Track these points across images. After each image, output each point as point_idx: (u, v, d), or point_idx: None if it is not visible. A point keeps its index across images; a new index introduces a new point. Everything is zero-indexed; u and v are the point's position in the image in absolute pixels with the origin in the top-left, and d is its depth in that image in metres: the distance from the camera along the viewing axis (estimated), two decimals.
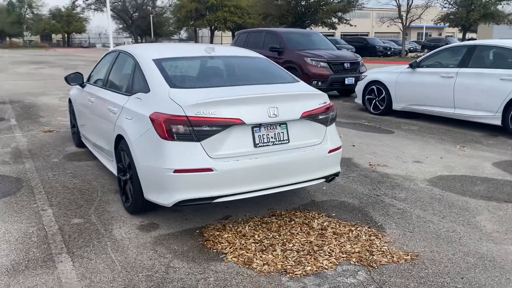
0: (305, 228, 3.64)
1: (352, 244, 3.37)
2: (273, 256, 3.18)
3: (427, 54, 8.51)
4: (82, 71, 5.98)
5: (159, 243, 3.39)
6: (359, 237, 3.48)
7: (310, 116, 3.69)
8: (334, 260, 3.13)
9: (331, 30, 41.82)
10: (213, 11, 46.05)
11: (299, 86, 4.04)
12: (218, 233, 3.54)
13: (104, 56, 5.36)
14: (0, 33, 70.52)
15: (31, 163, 5.48)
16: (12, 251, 3.24)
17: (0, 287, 2.78)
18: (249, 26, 40.79)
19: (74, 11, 66.45)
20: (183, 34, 73.38)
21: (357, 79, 10.32)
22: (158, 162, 3.32)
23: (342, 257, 3.18)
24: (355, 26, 42.29)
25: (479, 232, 3.60)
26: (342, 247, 3.32)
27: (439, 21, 38.12)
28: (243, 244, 3.35)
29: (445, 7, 37.12)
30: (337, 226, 3.69)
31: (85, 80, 5.58)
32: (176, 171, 3.25)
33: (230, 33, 50.29)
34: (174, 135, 3.26)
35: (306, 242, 3.39)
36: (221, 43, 48.79)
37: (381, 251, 3.27)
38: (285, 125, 3.60)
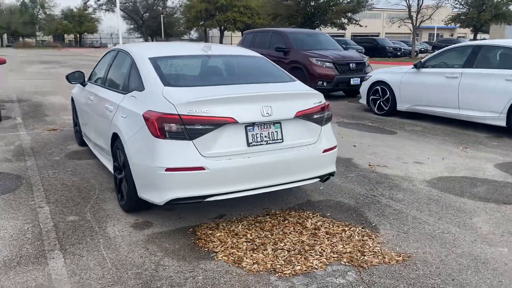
0: (298, 228, 3.63)
1: (344, 244, 3.35)
2: (264, 255, 3.17)
3: (432, 54, 8.43)
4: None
5: (151, 241, 3.40)
6: (351, 237, 3.46)
7: (305, 116, 3.68)
8: (325, 260, 3.11)
9: (341, 31, 41.60)
10: (222, 12, 46.15)
11: (294, 86, 4.03)
12: (210, 231, 3.55)
13: (105, 55, 5.40)
14: (13, 33, 71.50)
15: (33, 161, 5.54)
16: (6, 247, 3.28)
17: None
18: (259, 26, 40.78)
19: (86, 12, 67.07)
20: (194, 34, 73.62)
21: (363, 80, 10.26)
22: (151, 160, 3.33)
23: (333, 257, 3.16)
24: (365, 26, 42.15)
25: (474, 234, 3.56)
26: (333, 247, 3.30)
27: (449, 21, 37.79)
28: (235, 243, 3.35)
29: (456, 8, 36.80)
30: (331, 226, 3.67)
31: (86, 79, 5.62)
32: (168, 169, 3.26)
33: (239, 34, 50.33)
34: (166, 133, 3.27)
35: (298, 242, 3.38)
36: (231, 44, 48.85)
37: (373, 251, 3.24)
38: (279, 124, 3.59)
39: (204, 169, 3.27)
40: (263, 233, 3.53)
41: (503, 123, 6.94)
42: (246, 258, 3.13)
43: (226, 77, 4.24)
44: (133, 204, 3.77)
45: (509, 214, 3.96)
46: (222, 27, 49.01)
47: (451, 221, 3.81)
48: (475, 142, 6.72)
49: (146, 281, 2.85)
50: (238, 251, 3.22)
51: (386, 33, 68.74)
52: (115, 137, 3.96)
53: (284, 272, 2.96)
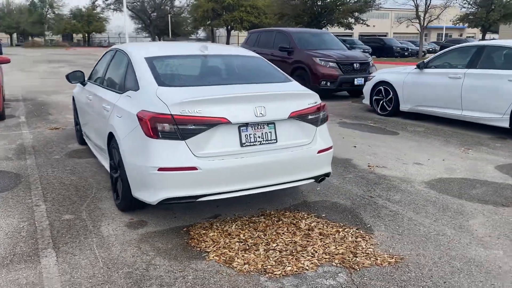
0: (292, 228, 3.61)
1: (337, 245, 3.33)
2: (255, 255, 3.16)
3: (435, 54, 8.37)
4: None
5: (144, 241, 3.41)
6: (345, 239, 3.44)
7: (299, 116, 3.67)
8: (316, 261, 3.10)
9: (348, 31, 41.44)
10: (229, 11, 46.17)
11: (289, 86, 4.01)
12: (204, 231, 3.55)
13: (104, 54, 5.42)
14: (22, 33, 72.05)
15: (33, 159, 5.58)
16: (0, 245, 3.30)
17: None
18: (265, 26, 40.72)
19: (94, 11, 67.42)
20: (201, 33, 73.76)
21: (367, 80, 10.21)
22: (144, 160, 3.34)
23: (324, 258, 3.15)
24: (373, 26, 41.94)
25: (470, 236, 3.52)
26: (326, 248, 3.29)
27: (458, 21, 37.49)
28: (227, 243, 3.35)
29: (464, 7, 36.50)
30: (325, 227, 3.66)
31: (86, 78, 5.65)
32: (160, 169, 3.26)
33: (246, 33, 50.34)
34: (159, 133, 3.27)
35: (291, 242, 3.36)
36: (238, 43, 48.89)
37: (365, 253, 3.22)
38: (273, 125, 3.58)
39: (197, 169, 3.27)
40: (256, 233, 3.52)
41: (506, 124, 6.87)
42: (238, 258, 3.13)
43: (221, 77, 4.24)
44: (128, 203, 3.78)
45: (507, 217, 3.92)
46: (229, 27, 49.05)
47: (447, 223, 3.78)
48: (478, 143, 6.66)
49: (136, 280, 2.86)
50: (230, 251, 3.22)
51: (394, 33, 68.37)
52: (111, 137, 3.97)
53: (275, 272, 2.95)
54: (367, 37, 43.83)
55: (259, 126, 3.52)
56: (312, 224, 3.70)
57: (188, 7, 59.73)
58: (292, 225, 3.69)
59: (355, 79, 10.89)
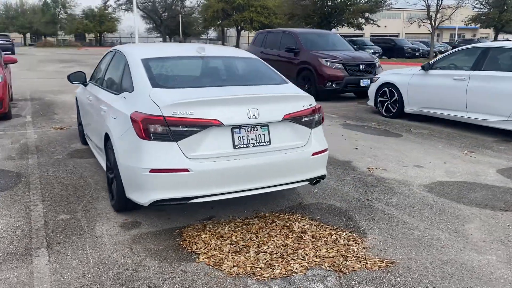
0: (285, 231, 3.61)
1: (328, 248, 3.32)
2: (245, 258, 3.16)
3: (441, 56, 8.29)
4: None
5: (137, 242, 3.43)
6: (337, 242, 3.43)
7: (293, 118, 3.66)
8: (306, 264, 3.09)
9: (359, 31, 41.21)
10: (239, 11, 46.22)
11: (284, 88, 4.01)
12: (196, 233, 3.56)
13: (105, 55, 5.46)
14: (35, 33, 72.93)
15: (35, 159, 5.64)
16: None
17: None
18: (276, 26, 40.71)
19: (106, 11, 67.93)
20: (212, 34, 73.93)
21: (372, 81, 10.15)
22: (136, 161, 3.36)
23: (315, 261, 3.14)
24: (385, 26, 41.67)
25: (464, 241, 3.49)
26: (317, 251, 3.27)
27: (469, 22, 37.08)
28: (218, 245, 3.35)
29: (476, 8, 36.09)
30: (318, 229, 3.64)
31: (88, 79, 5.70)
32: (152, 170, 3.28)
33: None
34: (151, 134, 3.29)
35: (282, 245, 3.36)
36: (248, 43, 48.86)
37: (356, 256, 3.20)
38: (266, 127, 3.57)
39: (188, 170, 3.28)
40: (248, 235, 3.52)
41: (511, 127, 6.78)
42: (228, 260, 3.13)
43: (216, 78, 4.24)
44: (122, 203, 3.80)
45: (504, 221, 3.87)
46: (239, 27, 49.10)
47: (443, 227, 3.74)
48: (482, 146, 6.58)
49: (125, 281, 2.88)
50: (220, 253, 3.22)
51: (406, 33, 67.81)
52: (107, 137, 4.00)
53: (263, 275, 2.95)
54: (378, 37, 43.58)
55: (252, 128, 3.52)
56: (306, 227, 3.68)
57: (199, 7, 59.91)
58: (285, 227, 3.68)
59: (361, 80, 10.83)
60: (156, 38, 72.87)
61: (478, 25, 38.06)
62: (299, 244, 3.38)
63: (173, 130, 3.27)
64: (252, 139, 3.52)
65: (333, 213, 4.02)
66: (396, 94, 8.62)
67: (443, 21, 32.29)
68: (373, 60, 11.44)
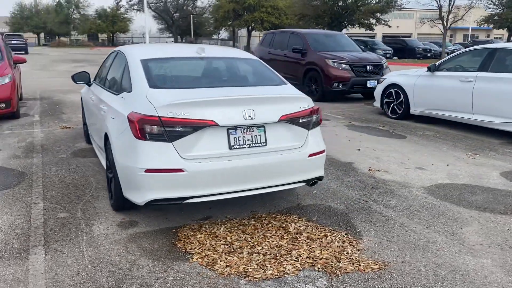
0: (280, 232, 3.61)
1: (322, 250, 3.32)
2: (238, 258, 3.18)
3: (447, 57, 8.22)
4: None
5: (132, 241, 3.46)
6: (331, 243, 3.42)
7: (290, 119, 3.66)
8: (299, 265, 3.09)
9: (370, 32, 40.94)
10: (250, 12, 46.26)
11: (282, 89, 4.01)
12: (192, 233, 3.58)
13: (108, 55, 5.52)
14: (49, 33, 73.82)
15: (40, 158, 5.72)
16: None
17: None
18: (286, 26, 40.67)
19: (119, 12, 68.45)
20: (223, 34, 74.08)
21: (379, 82, 10.11)
22: (132, 161, 3.39)
23: (308, 262, 3.14)
24: (397, 27, 41.31)
25: (460, 244, 3.46)
26: (311, 252, 3.28)
27: (482, 22, 36.65)
28: (213, 245, 3.37)
29: (489, 8, 35.64)
30: (313, 230, 3.64)
31: (92, 79, 5.76)
32: (147, 170, 3.31)
33: None
34: (147, 135, 3.32)
35: (276, 246, 3.36)
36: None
37: (349, 258, 3.20)
38: (262, 128, 3.58)
39: (183, 171, 3.31)
40: (243, 236, 3.53)
41: None
42: (221, 260, 3.14)
43: (214, 79, 4.26)
44: (120, 203, 3.84)
45: (502, 225, 3.83)
46: (250, 27, 49.14)
47: (440, 230, 3.72)
48: (487, 148, 6.51)
49: (117, 279, 2.91)
50: (214, 254, 3.24)
51: (418, 34, 67.23)
52: (107, 137, 4.05)
53: (255, 276, 2.96)
54: (390, 38, 43.28)
55: (248, 129, 3.53)
56: (301, 228, 3.69)
57: (210, 7, 60.10)
58: (281, 228, 3.69)
59: (368, 81, 10.78)
60: (168, 38, 73.25)
61: (491, 26, 37.55)
62: (293, 245, 3.39)
63: (169, 130, 3.30)
64: (248, 140, 3.53)
65: (331, 215, 4.01)
66: (402, 96, 8.57)
67: (455, 21, 31.97)
68: (381, 61, 11.37)
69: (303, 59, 11.55)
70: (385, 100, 8.99)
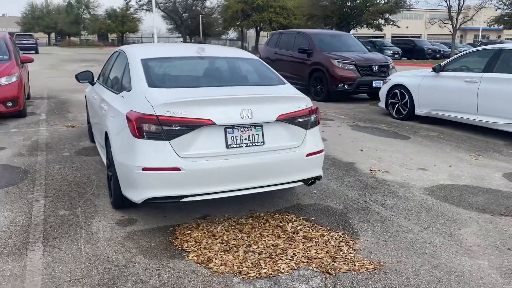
0: (277, 231, 3.62)
1: (318, 249, 3.32)
2: (234, 257, 3.19)
3: (452, 57, 8.17)
4: None
5: (130, 238, 3.49)
6: (327, 243, 3.42)
7: (287, 119, 3.67)
8: (293, 265, 3.10)
9: (378, 32, 40.74)
10: (259, 12, 46.28)
11: (280, 89, 4.02)
12: (189, 231, 3.60)
13: (111, 55, 5.57)
14: (60, 33, 74.50)
15: (44, 156, 5.79)
16: None
17: None
18: (294, 27, 40.61)
19: (128, 12, 68.84)
20: (232, 34, 74.16)
21: (384, 83, 10.06)
22: (130, 159, 3.43)
23: (303, 261, 3.15)
24: (406, 27, 41.05)
25: (458, 245, 3.44)
26: (306, 251, 3.28)
27: (492, 23, 36.30)
28: (209, 243, 3.39)
29: (500, 8, 35.29)
30: (310, 230, 3.65)
31: (95, 78, 5.81)
32: (144, 169, 3.34)
33: None
34: (145, 133, 3.35)
35: (272, 245, 3.37)
36: None
37: (345, 258, 3.20)
38: (260, 127, 3.60)
39: (180, 169, 3.33)
40: (240, 235, 3.55)
41: None
42: (216, 259, 3.16)
43: (213, 79, 4.28)
44: (119, 201, 3.88)
45: (502, 226, 3.80)
46: (258, 28, 49.16)
47: (438, 231, 3.70)
48: (491, 149, 6.46)
49: (113, 276, 2.94)
50: (209, 252, 3.26)
51: (428, 34, 66.78)
52: (107, 136, 4.09)
53: (249, 274, 2.97)
54: (399, 38, 43.05)
55: (246, 128, 3.55)
56: (298, 227, 3.69)
57: (219, 7, 60.21)
58: (278, 227, 3.70)
59: (374, 82, 10.74)
60: (177, 38, 73.49)
61: (501, 26, 37.17)
62: (289, 244, 3.39)
63: (166, 129, 3.32)
64: (246, 139, 3.55)
65: (329, 214, 4.01)
66: (407, 96, 8.53)
67: (465, 22, 31.70)
68: (386, 61, 11.33)
69: (309, 59, 11.54)
70: (390, 100, 8.95)
